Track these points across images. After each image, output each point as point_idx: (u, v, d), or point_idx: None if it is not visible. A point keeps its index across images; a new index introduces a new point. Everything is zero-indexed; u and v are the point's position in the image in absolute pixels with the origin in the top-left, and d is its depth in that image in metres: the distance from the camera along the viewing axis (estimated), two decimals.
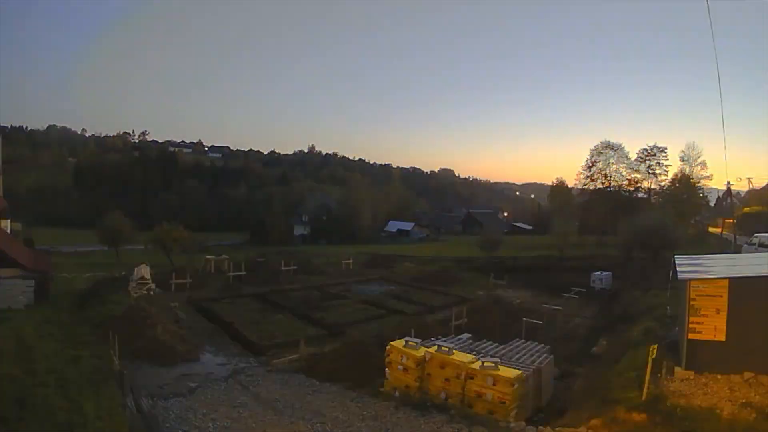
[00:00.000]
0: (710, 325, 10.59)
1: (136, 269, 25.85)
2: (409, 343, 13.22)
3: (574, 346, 17.99)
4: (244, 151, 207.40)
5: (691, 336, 10.76)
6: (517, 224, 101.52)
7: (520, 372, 11.64)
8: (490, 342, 15.33)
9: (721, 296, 10.52)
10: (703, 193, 57.66)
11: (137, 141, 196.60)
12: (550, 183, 75.22)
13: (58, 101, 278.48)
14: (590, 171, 56.58)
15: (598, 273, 28.15)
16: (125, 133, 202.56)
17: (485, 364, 11.71)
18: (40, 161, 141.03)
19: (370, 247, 56.26)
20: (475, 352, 13.36)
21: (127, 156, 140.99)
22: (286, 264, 35.26)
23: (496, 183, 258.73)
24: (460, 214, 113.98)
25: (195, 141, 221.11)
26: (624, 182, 56.77)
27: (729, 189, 37.13)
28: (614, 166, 56.24)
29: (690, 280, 10.89)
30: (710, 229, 54.08)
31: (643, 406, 9.54)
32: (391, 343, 13.69)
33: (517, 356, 13.39)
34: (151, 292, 23.58)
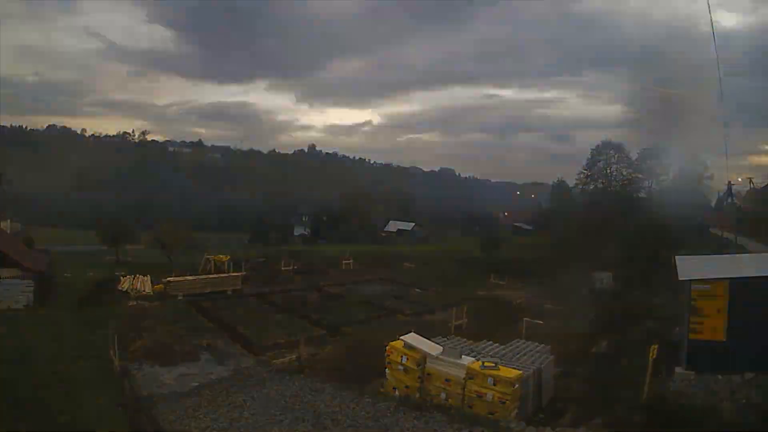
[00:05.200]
0: (711, 325, 10.57)
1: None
2: (409, 343, 13.21)
3: (574, 347, 17.95)
4: (244, 151, 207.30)
5: (691, 336, 10.74)
6: (518, 224, 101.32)
7: (521, 372, 11.62)
8: (491, 342, 15.31)
9: (722, 296, 10.50)
10: (703, 193, 57.59)
11: (137, 141, 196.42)
12: (550, 183, 75.12)
13: (59, 101, 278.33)
14: (591, 171, 56.54)
15: (599, 273, 28.10)
16: (125, 132, 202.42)
17: (485, 364, 11.69)
18: (39, 161, 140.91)
19: (370, 247, 56.14)
20: (475, 353, 13.35)
21: (127, 156, 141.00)
22: (286, 264, 35.28)
23: (496, 182, 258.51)
24: (460, 214, 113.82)
25: (195, 141, 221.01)
26: (625, 182, 56.74)
27: (730, 189, 37.00)
28: (615, 165, 56.23)
29: (690, 280, 10.86)
30: (711, 230, 54.00)
31: (644, 406, 9.51)
32: (391, 343, 13.67)
33: (518, 356, 13.37)
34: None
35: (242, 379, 13.86)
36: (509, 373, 11.42)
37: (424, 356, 12.54)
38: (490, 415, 11.02)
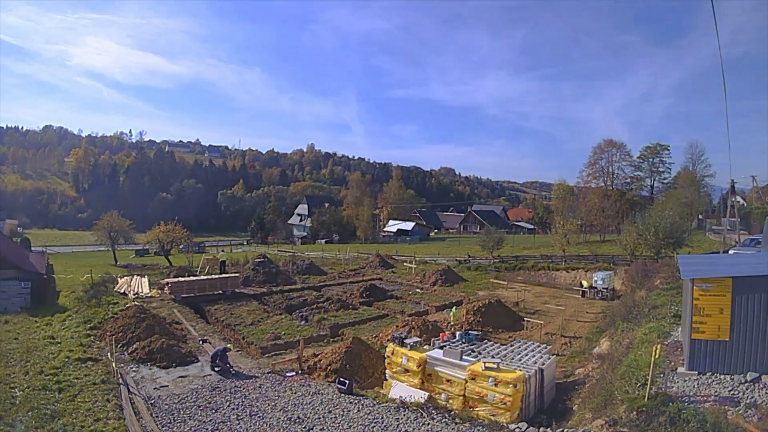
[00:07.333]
0: (713, 324, 10.43)
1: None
2: (410, 344, 13.10)
3: (576, 347, 17.87)
4: (242, 151, 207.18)
5: (694, 336, 10.60)
6: (519, 223, 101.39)
7: (522, 373, 11.51)
8: (492, 342, 15.21)
9: (725, 295, 10.37)
10: (706, 192, 57.51)
11: (134, 141, 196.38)
12: (552, 181, 75.05)
13: (56, 101, 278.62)
14: (593, 169, 56.48)
15: (601, 272, 27.99)
16: (122, 133, 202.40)
17: (486, 365, 11.58)
18: (36, 161, 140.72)
19: (370, 247, 56.11)
20: (476, 353, 13.24)
21: (124, 156, 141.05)
22: (286, 264, 35.17)
23: (497, 181, 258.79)
24: (460, 213, 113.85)
25: (193, 140, 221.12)
26: (627, 180, 56.69)
27: (732, 187, 36.81)
28: (617, 164, 56.20)
29: (693, 279, 10.73)
30: (714, 228, 53.93)
31: (646, 406, 9.40)
32: (392, 344, 13.57)
33: (519, 357, 13.26)
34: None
35: (242, 380, 13.75)
36: (511, 373, 11.31)
37: (425, 357, 12.44)
38: (491, 417, 10.91)
